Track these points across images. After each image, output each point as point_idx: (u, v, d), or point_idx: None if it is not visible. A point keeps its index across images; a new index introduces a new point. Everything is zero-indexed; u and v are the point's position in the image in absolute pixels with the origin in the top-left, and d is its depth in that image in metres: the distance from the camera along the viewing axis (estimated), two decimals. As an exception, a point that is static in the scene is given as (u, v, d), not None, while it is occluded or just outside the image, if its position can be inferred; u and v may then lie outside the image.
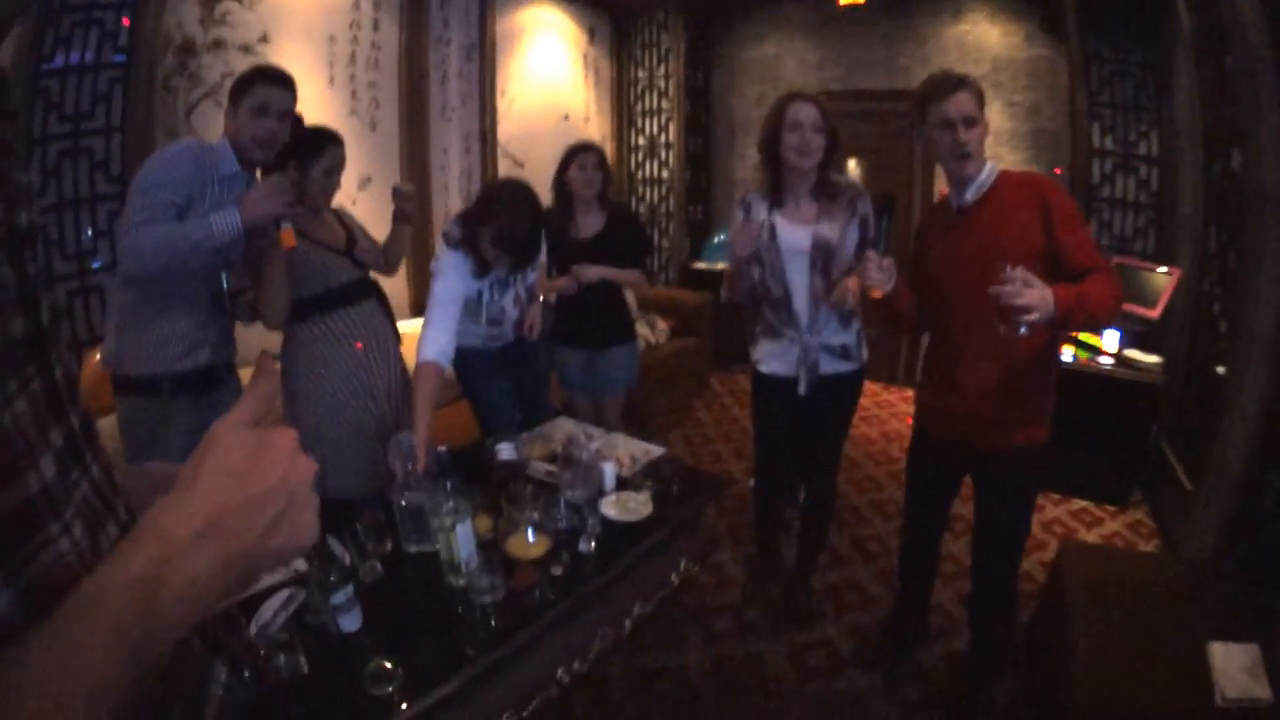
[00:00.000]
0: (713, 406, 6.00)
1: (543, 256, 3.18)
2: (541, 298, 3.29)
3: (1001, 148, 5.68)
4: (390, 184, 3.04)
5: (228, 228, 2.23)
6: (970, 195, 2.31)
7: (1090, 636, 2.26)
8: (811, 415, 2.95)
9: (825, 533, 3.25)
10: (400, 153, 5.05)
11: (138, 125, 3.53)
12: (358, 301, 2.82)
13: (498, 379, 3.24)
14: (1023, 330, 1.95)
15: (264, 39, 4.13)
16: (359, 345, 2.79)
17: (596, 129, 7.04)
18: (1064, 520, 4.14)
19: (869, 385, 6.18)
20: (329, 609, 1.73)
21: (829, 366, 2.84)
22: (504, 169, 5.86)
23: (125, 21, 3.45)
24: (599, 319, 3.58)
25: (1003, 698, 2.68)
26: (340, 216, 2.95)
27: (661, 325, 5.87)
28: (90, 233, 3.44)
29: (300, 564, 1.89)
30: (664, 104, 7.07)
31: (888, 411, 5.95)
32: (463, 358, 3.00)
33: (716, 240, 7.10)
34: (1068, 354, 4.34)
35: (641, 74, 7.17)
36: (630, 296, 5.82)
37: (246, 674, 0.94)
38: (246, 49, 4.04)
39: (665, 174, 7.22)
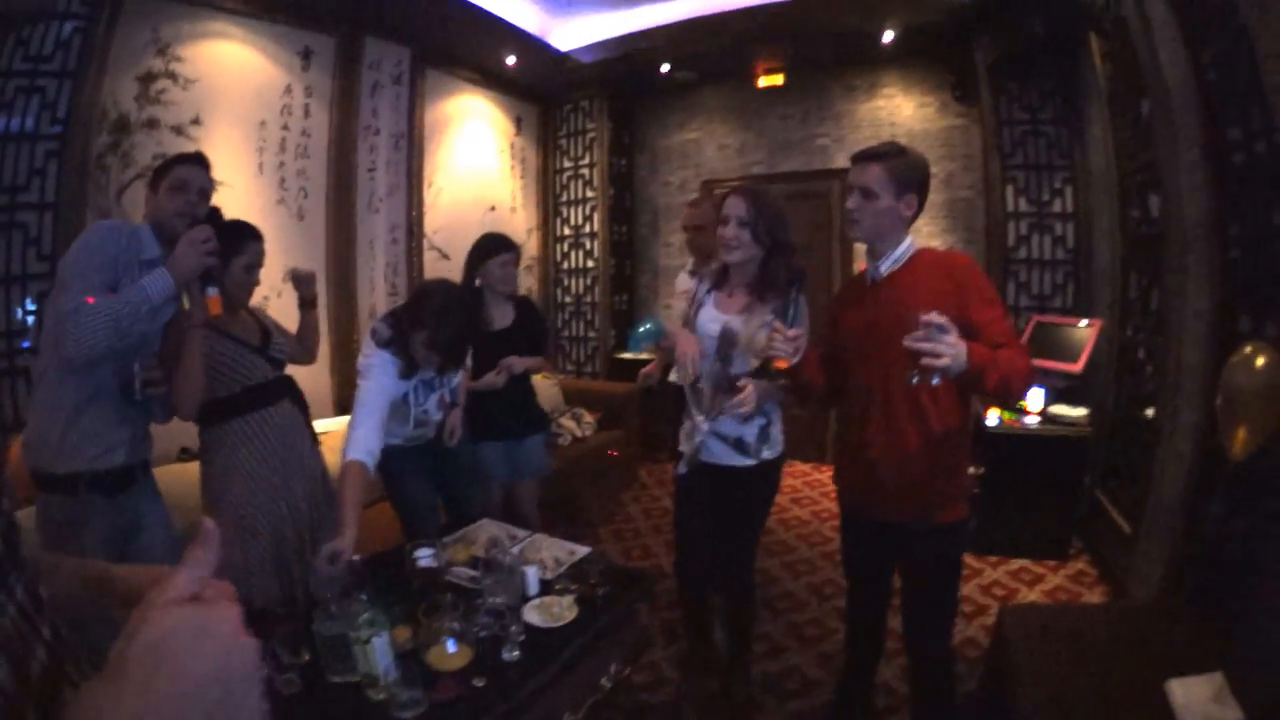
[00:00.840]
0: (642, 499, 5.83)
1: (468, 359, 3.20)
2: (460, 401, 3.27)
3: (919, 220, 5.69)
4: (319, 278, 3.01)
5: (161, 287, 2.22)
6: (885, 268, 2.31)
7: (1037, 696, 2.19)
8: (721, 508, 2.87)
9: (750, 625, 3.13)
10: (327, 244, 4.98)
11: (70, 203, 3.51)
12: (274, 402, 2.75)
13: (420, 477, 3.18)
14: (935, 380, 1.93)
15: (196, 121, 4.13)
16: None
17: (523, 220, 7.06)
18: (1003, 582, 4.08)
19: (797, 466, 6.41)
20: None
21: (721, 457, 2.76)
22: (429, 261, 5.80)
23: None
24: (518, 410, 3.62)
25: None
26: (254, 313, 2.90)
27: (588, 418, 5.77)
28: (20, 312, 3.41)
29: None
30: (589, 192, 7.11)
31: (818, 491, 5.87)
32: (384, 457, 2.91)
33: (641, 329, 7.04)
34: (993, 417, 4.37)
35: (567, 162, 7.23)
36: (557, 391, 5.84)
37: None
38: (179, 130, 4.04)
39: (590, 263, 7.20)
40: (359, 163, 5.14)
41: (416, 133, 5.63)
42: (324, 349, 3.75)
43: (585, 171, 7.10)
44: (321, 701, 1.88)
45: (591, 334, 7.28)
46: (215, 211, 2.55)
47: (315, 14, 4.74)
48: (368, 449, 2.55)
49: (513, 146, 6.86)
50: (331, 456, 2.84)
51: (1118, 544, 3.83)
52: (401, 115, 5.49)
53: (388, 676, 1.81)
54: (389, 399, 2.74)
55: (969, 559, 4.19)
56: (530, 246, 7.13)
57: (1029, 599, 3.86)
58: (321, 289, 4.81)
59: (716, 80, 6.76)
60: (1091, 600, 3.80)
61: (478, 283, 3.50)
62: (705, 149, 6.98)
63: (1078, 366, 4.27)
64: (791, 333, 2.27)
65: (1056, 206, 5.09)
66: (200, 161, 2.53)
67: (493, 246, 3.50)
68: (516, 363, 3.41)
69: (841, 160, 6.06)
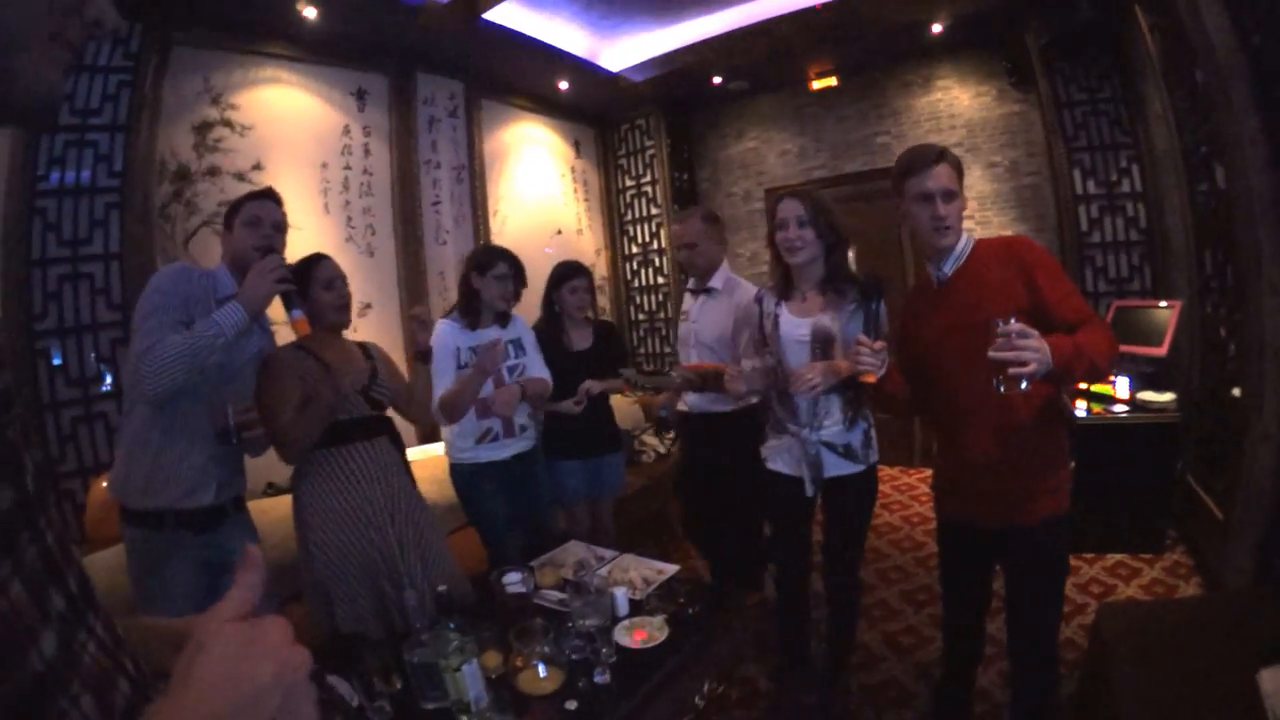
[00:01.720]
0: None
1: (539, 359, 3.41)
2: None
3: (987, 211, 5.70)
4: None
5: (233, 318, 2.24)
6: (949, 268, 2.29)
7: (1136, 693, 2.15)
8: (830, 516, 2.90)
9: (852, 629, 3.12)
10: (398, 278, 5.11)
11: (135, 252, 3.63)
12: (370, 437, 2.76)
13: (499, 497, 3.27)
14: (1024, 385, 1.88)
15: (258, 166, 4.27)
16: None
17: (590, 241, 7.12)
18: (1100, 579, 3.95)
19: (885, 470, 6.19)
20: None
21: (834, 469, 2.76)
22: None
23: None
24: (596, 429, 3.68)
25: None
26: (367, 349, 2.96)
27: (669, 434, 5.76)
28: (94, 357, 3.54)
29: None
30: (653, 209, 7.15)
31: (908, 495, 5.75)
32: (462, 477, 3.28)
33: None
34: (1081, 409, 4.25)
35: (629, 181, 7.27)
36: (637, 409, 5.92)
37: None
38: (240, 176, 4.17)
39: (660, 279, 7.24)
40: (423, 196, 5.26)
41: (477, 163, 5.73)
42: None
43: (648, 189, 7.14)
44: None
45: (667, 349, 7.30)
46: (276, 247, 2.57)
47: (365, 54, 4.89)
48: None
49: (573, 170, 6.93)
50: (423, 486, 2.95)
51: (1212, 532, 3.68)
52: (460, 147, 5.59)
53: (479, 703, 1.82)
54: (453, 356, 3.14)
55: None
56: (600, 267, 7.18)
57: (1126, 594, 3.73)
58: (394, 321, 4.99)
59: (770, 88, 6.73)
60: (1188, 592, 3.67)
61: (556, 309, 3.63)
62: (766, 157, 6.96)
63: (1162, 350, 4.13)
64: (877, 345, 2.27)
65: (1125, 186, 4.94)
66: (271, 196, 2.56)
67: (563, 274, 3.63)
68: (594, 385, 3.46)
69: (903, 158, 6.00)
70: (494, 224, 5.91)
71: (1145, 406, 4.15)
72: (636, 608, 2.39)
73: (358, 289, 4.51)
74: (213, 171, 4.08)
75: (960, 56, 5.86)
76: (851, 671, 3.25)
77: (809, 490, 2.77)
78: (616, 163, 7.35)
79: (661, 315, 7.31)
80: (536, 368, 3.38)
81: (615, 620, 2.28)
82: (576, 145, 7.00)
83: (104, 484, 3.16)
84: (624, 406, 5.53)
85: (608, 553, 2.90)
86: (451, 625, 2.03)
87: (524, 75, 5.90)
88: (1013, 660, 2.44)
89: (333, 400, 2.53)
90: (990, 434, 2.22)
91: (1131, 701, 2.14)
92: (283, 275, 2.34)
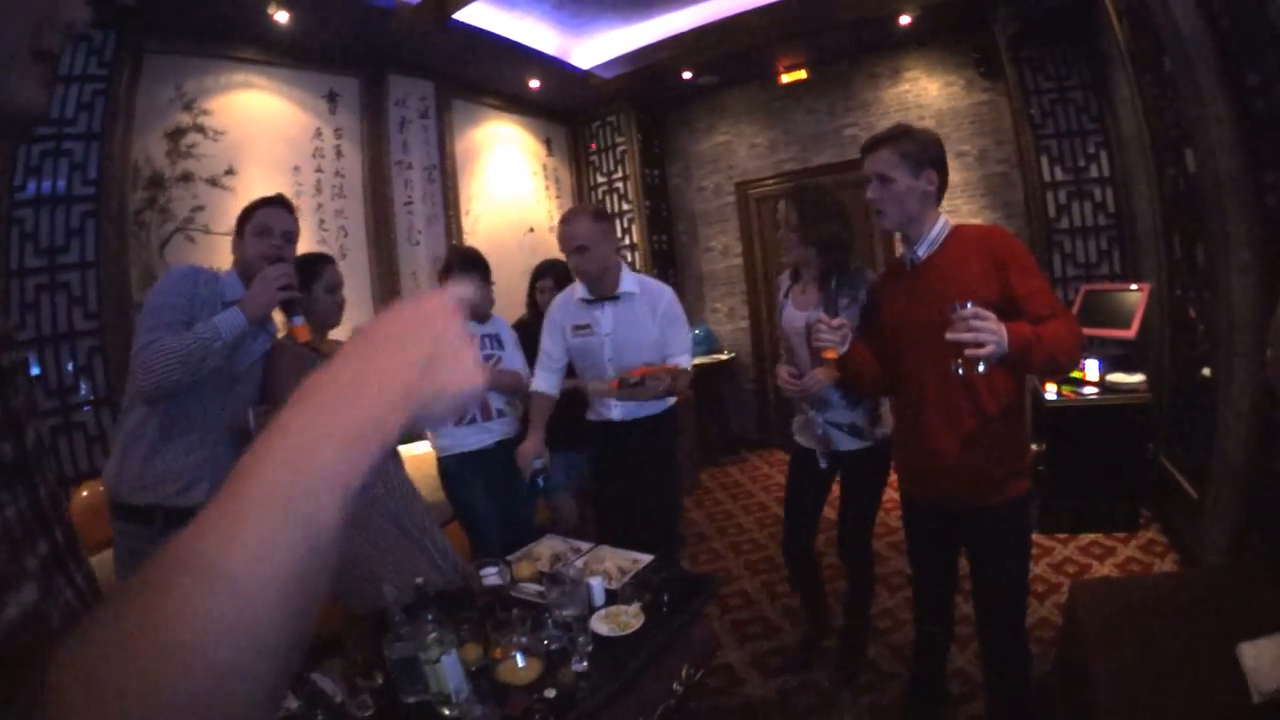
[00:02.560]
0: (705, 503, 5.78)
1: (518, 354, 3.52)
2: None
3: (956, 199, 5.76)
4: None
5: (233, 323, 2.25)
6: (922, 251, 2.32)
7: (1112, 668, 2.17)
8: (844, 489, 3.13)
9: (869, 593, 3.27)
10: (371, 279, 5.11)
11: (111, 260, 3.62)
12: None
13: (479, 486, 3.33)
14: (981, 368, 1.93)
15: (230, 171, 4.26)
16: None
17: (562, 239, 7.12)
18: (1075, 558, 4.01)
19: None
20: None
21: (845, 444, 2.94)
22: None
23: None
24: (571, 422, 3.67)
25: None
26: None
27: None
28: (71, 368, 3.53)
29: (291, 701, 1.84)
30: (625, 205, 7.16)
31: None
32: (448, 468, 3.37)
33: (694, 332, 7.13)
34: (1051, 392, 4.31)
35: (600, 178, 7.29)
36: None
37: None
38: (214, 181, 4.17)
39: None
40: (395, 198, 5.27)
41: (449, 163, 5.74)
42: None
43: (620, 185, 7.17)
44: (395, 720, 1.91)
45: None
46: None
47: (336, 57, 4.89)
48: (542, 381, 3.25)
49: (545, 167, 6.95)
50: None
51: (1187, 510, 3.75)
52: (432, 147, 5.60)
53: (459, 694, 1.83)
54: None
55: (1039, 538, 4.13)
56: None
57: (1101, 573, 3.78)
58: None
59: (740, 82, 6.79)
60: (1164, 569, 3.72)
61: (539, 304, 3.72)
62: (737, 151, 7.01)
63: (1131, 332, 4.19)
64: (835, 322, 2.34)
65: (1093, 172, 5.02)
66: (282, 203, 2.56)
67: (537, 273, 3.79)
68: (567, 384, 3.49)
69: (873, 149, 6.06)
70: (466, 223, 5.91)
71: (1116, 388, 4.22)
72: (612, 597, 2.41)
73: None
74: (186, 177, 4.08)
75: (928, 47, 5.94)
76: (828, 657, 3.33)
77: (822, 464, 2.98)
78: (588, 159, 7.36)
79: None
80: (514, 362, 3.46)
81: (592, 610, 2.32)
82: (548, 143, 7.02)
83: (84, 494, 3.20)
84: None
85: (584, 545, 2.94)
86: (430, 618, 2.03)
87: (495, 74, 5.90)
88: (982, 638, 2.49)
89: None
90: (952, 414, 2.28)
91: (1107, 678, 2.16)
92: (287, 283, 2.36)
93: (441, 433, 3.34)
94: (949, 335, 1.93)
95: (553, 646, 2.08)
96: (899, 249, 2.51)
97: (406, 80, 5.34)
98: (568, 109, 7.03)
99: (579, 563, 2.63)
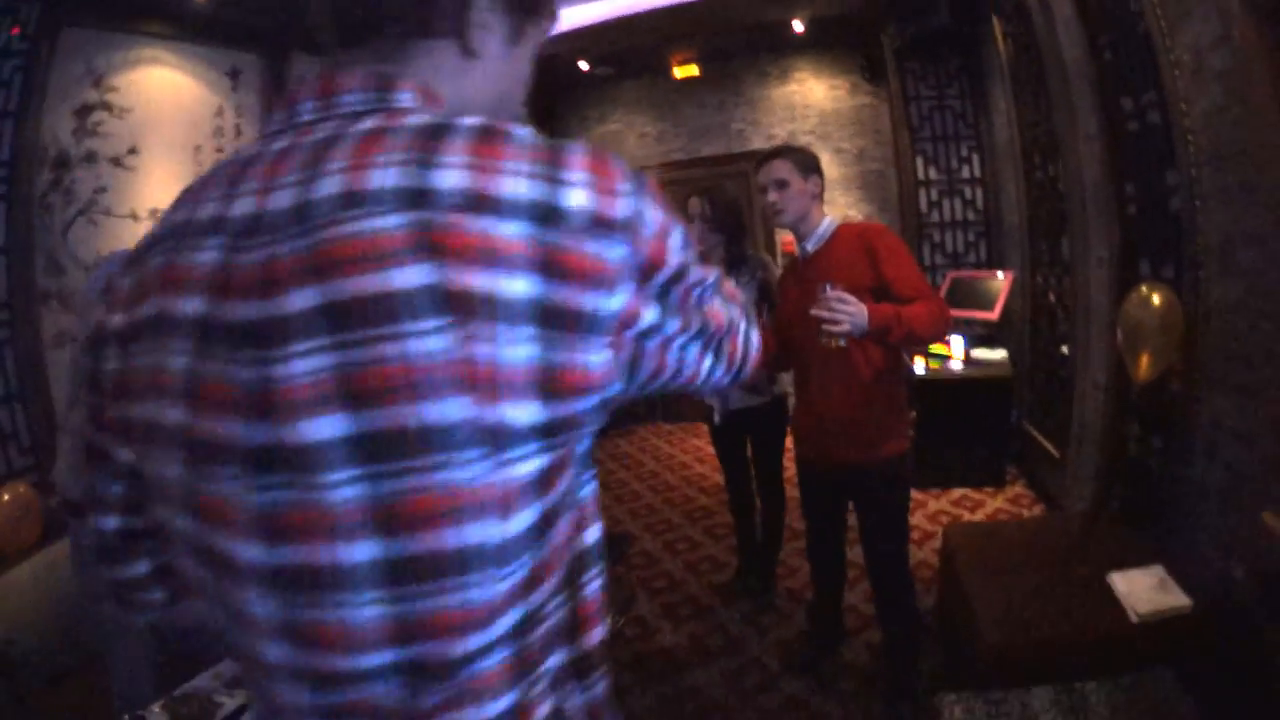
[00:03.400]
0: (600, 474, 5.89)
1: None
2: None
3: (834, 192, 6.21)
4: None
5: None
6: (811, 246, 2.68)
7: (990, 595, 2.50)
8: (751, 442, 3.57)
9: (777, 527, 3.70)
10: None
11: (20, 247, 3.45)
12: None
13: None
14: (841, 342, 2.34)
15: (133, 150, 4.12)
16: None
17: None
18: (947, 510, 4.47)
19: None
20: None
21: (739, 401, 3.35)
22: None
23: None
24: None
25: (926, 673, 2.89)
26: None
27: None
28: None
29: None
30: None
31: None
32: None
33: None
34: (919, 366, 4.78)
35: (489, 160, 7.34)
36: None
37: None
38: (117, 161, 4.02)
39: None
40: None
41: None
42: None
43: (507, 168, 7.23)
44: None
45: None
46: None
47: (240, 34, 4.76)
48: None
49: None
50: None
51: (1049, 468, 4.29)
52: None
53: None
54: None
55: (914, 494, 4.46)
56: None
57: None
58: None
59: (635, 74, 7.01)
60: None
61: None
62: (626, 139, 7.21)
63: (994, 314, 4.75)
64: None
65: (965, 173, 5.59)
66: None
67: None
68: None
69: (758, 143, 6.49)
70: None
71: (979, 363, 4.77)
72: None
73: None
74: (90, 157, 3.92)
75: (818, 52, 6.36)
76: (732, 600, 3.75)
77: (716, 418, 3.46)
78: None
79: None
80: None
81: None
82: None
83: (5, 498, 3.03)
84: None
85: None
86: None
87: None
88: (873, 577, 2.85)
89: None
90: (833, 382, 2.62)
91: (982, 601, 2.49)
92: None
93: None
94: (812, 311, 2.28)
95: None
96: (783, 240, 2.92)
97: (312, 60, 5.21)
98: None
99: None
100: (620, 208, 0.62)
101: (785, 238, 4.02)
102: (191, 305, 0.62)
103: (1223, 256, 2.50)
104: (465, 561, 0.58)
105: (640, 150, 7.18)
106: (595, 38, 5.90)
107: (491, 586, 0.60)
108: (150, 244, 0.70)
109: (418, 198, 0.57)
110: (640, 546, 4.45)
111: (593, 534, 0.75)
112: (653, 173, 7.09)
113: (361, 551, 0.57)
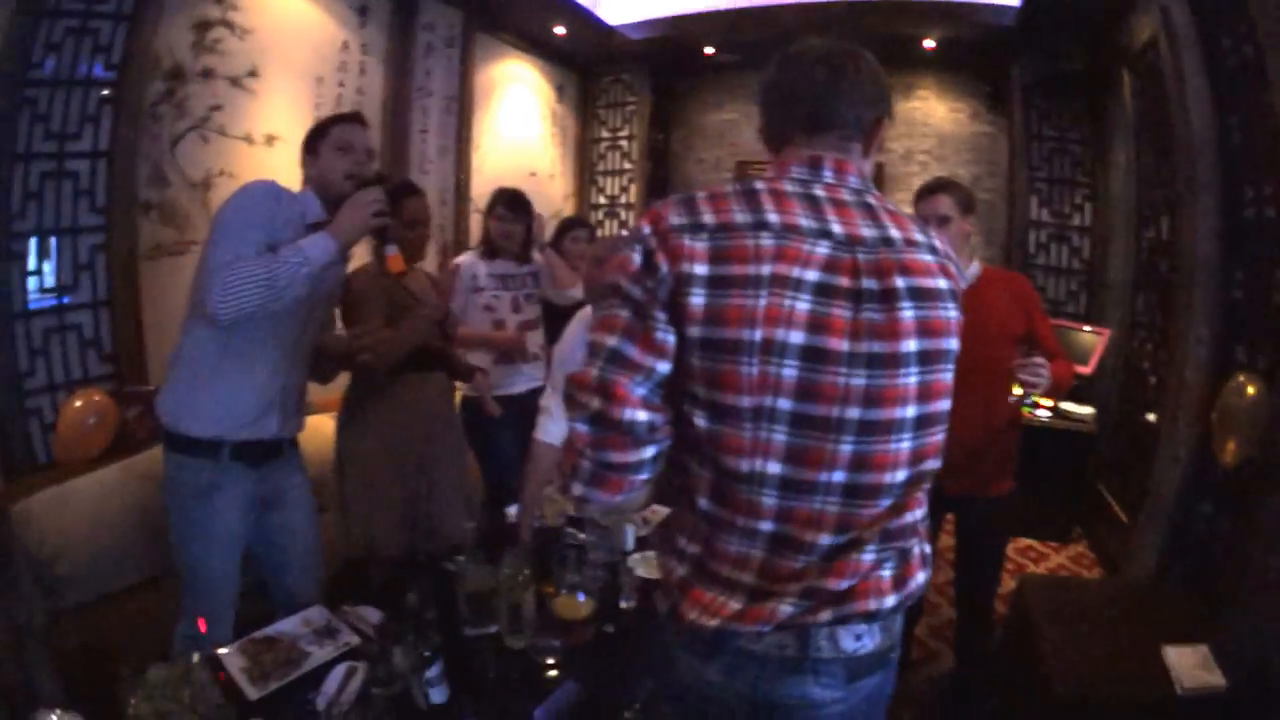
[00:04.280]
0: None
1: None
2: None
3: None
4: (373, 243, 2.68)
5: (321, 250, 2.06)
6: (962, 285, 2.68)
7: (1057, 649, 2.59)
8: None
9: None
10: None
11: (125, 154, 3.36)
12: (432, 368, 2.90)
13: (509, 431, 3.36)
14: (1028, 400, 2.49)
15: (253, 73, 4.03)
16: None
17: (560, 187, 7.17)
18: (1013, 557, 4.46)
19: None
20: (421, 682, 1.73)
21: None
22: (475, 224, 5.70)
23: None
24: None
25: (988, 713, 2.98)
26: (435, 281, 3.07)
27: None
28: (72, 264, 3.25)
29: (352, 638, 2.02)
30: (626, 164, 7.27)
31: None
32: (474, 409, 3.35)
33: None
34: (1011, 410, 4.72)
35: (605, 133, 7.38)
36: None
37: None
38: (235, 81, 3.93)
39: (625, 233, 7.27)
40: (412, 123, 5.17)
41: (467, 96, 5.64)
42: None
43: (623, 143, 7.26)
44: (453, 656, 1.89)
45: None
46: (382, 175, 2.38)
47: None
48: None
49: (554, 114, 6.93)
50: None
51: (1115, 532, 4.24)
52: (453, 78, 5.50)
53: (532, 627, 1.99)
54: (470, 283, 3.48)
55: None
56: (566, 212, 7.15)
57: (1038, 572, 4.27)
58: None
59: (756, 66, 6.86)
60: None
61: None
62: (742, 130, 7.12)
63: (1089, 369, 4.65)
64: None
65: (1075, 220, 5.48)
66: (360, 120, 2.38)
67: (568, 223, 4.07)
68: None
69: (870, 150, 6.35)
70: (474, 159, 5.84)
71: (1067, 415, 4.70)
72: (641, 543, 2.62)
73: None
74: (207, 73, 3.79)
75: (944, 73, 6.24)
76: None
77: None
78: (595, 113, 7.42)
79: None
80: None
81: (624, 554, 2.49)
82: (560, 90, 7.01)
83: (77, 404, 3.02)
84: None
85: None
86: (483, 553, 2.14)
87: (524, 14, 5.87)
88: (960, 608, 2.95)
89: (435, 320, 2.70)
90: (968, 424, 2.60)
91: (1053, 654, 2.58)
92: (381, 209, 2.17)
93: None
94: (1023, 376, 2.40)
95: (598, 585, 2.21)
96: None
97: (438, 6, 5.26)
98: (584, 60, 7.03)
99: (605, 511, 2.74)
100: None
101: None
102: (810, 274, 1.11)
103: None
104: (944, 418, 1.25)
105: (754, 145, 6.99)
106: (728, 25, 5.91)
107: (942, 433, 1.26)
108: (719, 227, 1.14)
109: (932, 247, 1.27)
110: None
111: None
112: (764, 168, 7.02)
113: (910, 410, 1.17)
